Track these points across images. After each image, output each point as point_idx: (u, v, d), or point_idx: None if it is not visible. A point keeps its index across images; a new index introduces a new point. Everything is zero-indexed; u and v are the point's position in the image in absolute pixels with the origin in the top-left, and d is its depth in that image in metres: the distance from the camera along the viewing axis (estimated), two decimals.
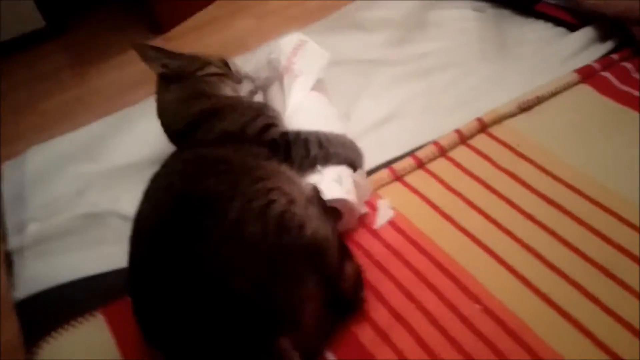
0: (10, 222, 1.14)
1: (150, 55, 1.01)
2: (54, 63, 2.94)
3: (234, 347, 0.71)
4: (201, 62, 1.04)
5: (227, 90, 1.03)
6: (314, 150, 0.92)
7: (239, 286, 0.70)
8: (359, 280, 0.83)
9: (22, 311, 0.99)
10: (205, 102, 1.00)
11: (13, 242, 1.09)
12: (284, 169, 0.87)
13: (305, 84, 1.04)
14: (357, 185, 0.93)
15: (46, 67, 2.89)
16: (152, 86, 1.23)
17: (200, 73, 1.02)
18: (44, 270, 1.02)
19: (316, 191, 0.84)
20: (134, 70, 2.75)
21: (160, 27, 2.92)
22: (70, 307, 0.94)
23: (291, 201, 0.78)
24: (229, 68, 1.07)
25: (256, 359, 0.72)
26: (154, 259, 0.77)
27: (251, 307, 0.70)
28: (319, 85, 1.07)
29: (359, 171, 0.96)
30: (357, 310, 0.82)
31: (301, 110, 1.02)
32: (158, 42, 2.88)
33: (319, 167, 0.92)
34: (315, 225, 0.77)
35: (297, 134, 0.94)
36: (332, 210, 0.87)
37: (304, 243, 0.75)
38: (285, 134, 0.95)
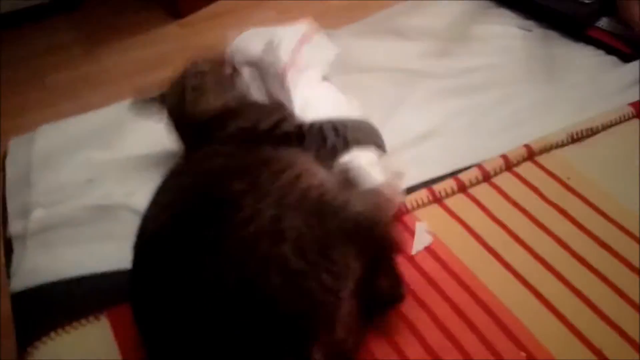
0: (12, 204, 1.07)
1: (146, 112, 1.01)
2: (63, 38, 2.86)
3: (263, 355, 0.65)
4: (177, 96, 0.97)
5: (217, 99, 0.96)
6: (331, 138, 0.88)
7: (273, 287, 0.64)
8: (398, 278, 0.78)
9: (19, 304, 0.92)
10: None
11: (15, 226, 1.01)
12: (300, 152, 0.82)
13: (312, 79, 0.98)
14: (389, 168, 0.88)
15: (54, 41, 2.81)
16: (164, 71, 1.16)
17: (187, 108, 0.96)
18: (46, 262, 0.94)
19: (352, 170, 0.80)
20: (147, 52, 2.68)
21: (179, 12, 2.85)
22: (73, 305, 0.87)
23: (323, 183, 0.72)
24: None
25: None
26: (163, 264, 0.70)
27: (285, 312, 0.64)
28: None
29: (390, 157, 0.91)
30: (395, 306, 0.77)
31: (310, 103, 0.98)
32: (174, 27, 2.81)
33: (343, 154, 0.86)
34: (355, 203, 0.72)
35: (311, 124, 0.90)
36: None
37: (352, 222, 0.70)
38: (299, 126, 0.90)
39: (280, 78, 1.02)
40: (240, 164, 0.78)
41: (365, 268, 0.71)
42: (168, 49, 2.63)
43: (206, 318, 0.65)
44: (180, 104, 0.96)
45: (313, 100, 0.99)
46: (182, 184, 0.80)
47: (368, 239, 0.71)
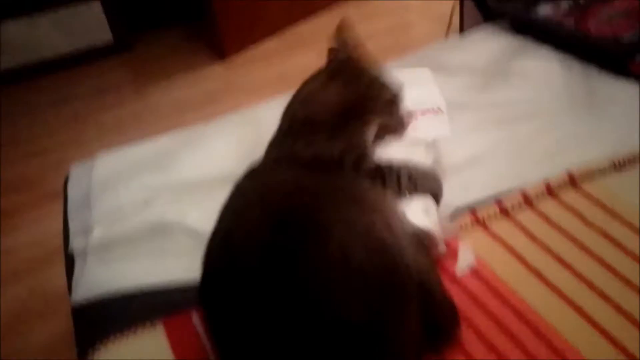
0: (74, 223, 1.14)
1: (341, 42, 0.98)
2: (116, 78, 3.03)
3: None
4: (378, 85, 0.99)
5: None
6: (405, 183, 0.92)
7: (344, 312, 0.67)
8: (454, 315, 0.81)
9: (79, 314, 0.98)
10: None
11: (76, 243, 1.08)
12: (381, 193, 0.86)
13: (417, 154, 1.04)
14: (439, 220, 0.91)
15: (109, 81, 2.97)
16: (208, 109, 1.22)
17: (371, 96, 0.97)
18: (105, 275, 1.00)
19: (422, 233, 0.84)
20: (193, 92, 2.81)
21: (223, 53, 2.97)
22: (130, 316, 0.92)
23: (398, 239, 0.76)
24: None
25: None
26: (244, 276, 0.72)
27: (355, 333, 0.67)
28: None
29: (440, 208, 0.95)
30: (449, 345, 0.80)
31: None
32: (218, 67, 2.94)
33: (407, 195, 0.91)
34: (414, 252, 0.76)
35: (390, 167, 0.93)
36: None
37: (406, 268, 0.73)
38: (380, 166, 0.94)
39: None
40: (334, 196, 0.80)
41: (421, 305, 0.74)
42: (212, 88, 2.75)
43: (281, 334, 0.68)
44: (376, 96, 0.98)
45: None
46: (266, 201, 0.80)
47: (420, 283, 0.75)
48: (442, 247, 0.92)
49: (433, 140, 1.09)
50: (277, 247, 0.72)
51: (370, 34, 3.17)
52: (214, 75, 2.88)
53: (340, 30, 0.98)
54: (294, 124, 0.96)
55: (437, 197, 0.96)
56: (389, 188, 0.90)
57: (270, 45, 3.05)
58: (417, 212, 0.89)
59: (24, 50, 2.86)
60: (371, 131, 0.96)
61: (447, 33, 2.45)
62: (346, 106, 0.94)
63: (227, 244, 0.78)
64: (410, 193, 0.92)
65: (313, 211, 0.75)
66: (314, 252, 0.70)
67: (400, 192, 0.91)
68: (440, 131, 1.12)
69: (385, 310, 0.69)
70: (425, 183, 0.96)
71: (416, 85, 1.12)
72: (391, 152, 0.98)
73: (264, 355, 0.69)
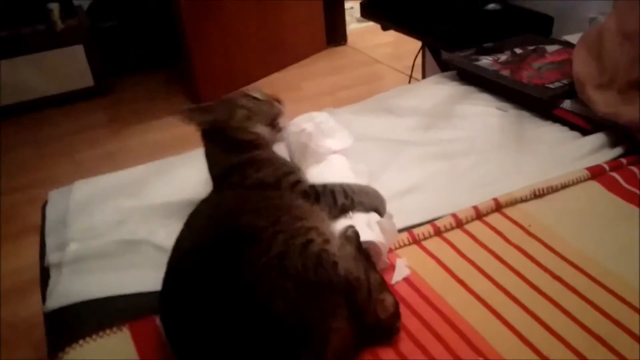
0: (50, 240, 1.23)
1: (190, 116, 1.13)
2: (95, 119, 3.15)
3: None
4: (228, 109, 1.13)
5: (259, 128, 1.11)
6: (341, 200, 1.03)
7: (278, 309, 0.78)
8: (396, 311, 0.91)
9: (50, 321, 1.06)
10: (240, 154, 1.10)
11: (52, 258, 1.17)
12: (318, 210, 0.97)
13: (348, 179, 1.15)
14: (383, 229, 1.01)
15: (88, 122, 3.09)
16: (180, 150, 1.36)
17: (232, 124, 1.11)
18: (78, 285, 1.08)
19: (355, 232, 0.94)
20: (167, 134, 2.93)
21: (199, 99, 3.12)
22: (99, 320, 1.00)
23: (327, 241, 0.87)
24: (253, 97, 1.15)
25: None
26: (194, 281, 0.85)
27: (287, 330, 0.78)
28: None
29: (385, 217, 1.05)
30: (392, 337, 0.90)
31: (325, 170, 1.15)
32: None
33: (349, 213, 1.02)
34: (348, 265, 0.86)
35: (324, 187, 1.05)
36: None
37: (337, 281, 0.83)
38: (314, 187, 1.06)
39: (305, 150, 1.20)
40: (268, 205, 0.94)
41: (352, 313, 0.85)
42: (187, 131, 2.86)
43: (224, 327, 0.79)
44: (229, 117, 1.11)
45: (327, 167, 1.16)
46: (215, 215, 0.96)
47: (349, 297, 0.85)
48: (385, 258, 1.02)
49: (364, 169, 1.20)
50: (219, 250, 0.84)
51: (342, 84, 3.39)
52: None
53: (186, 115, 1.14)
54: (218, 176, 1.12)
55: (378, 211, 1.07)
56: (324, 206, 1.01)
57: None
58: (360, 226, 0.99)
59: (5, 91, 2.98)
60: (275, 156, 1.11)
61: (409, 82, 2.64)
62: (230, 148, 1.10)
63: (178, 249, 0.91)
64: (348, 209, 1.03)
65: (255, 220, 0.88)
66: (255, 258, 0.82)
67: (337, 208, 1.02)
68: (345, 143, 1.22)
69: (314, 312, 0.80)
70: (364, 199, 1.06)
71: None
72: (324, 177, 1.10)
73: (207, 347, 0.80)
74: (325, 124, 1.23)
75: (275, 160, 1.12)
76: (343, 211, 1.03)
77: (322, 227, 0.91)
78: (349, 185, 1.07)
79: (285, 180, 1.05)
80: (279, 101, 1.17)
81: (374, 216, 1.06)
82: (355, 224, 1.00)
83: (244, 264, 0.82)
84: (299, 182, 1.06)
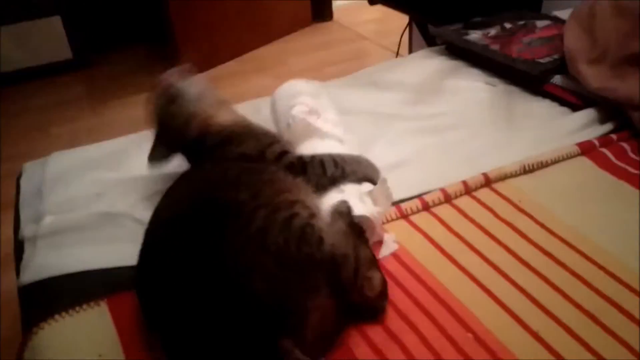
0: (25, 213, 1.19)
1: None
2: (73, 93, 3.07)
3: (240, 340, 0.75)
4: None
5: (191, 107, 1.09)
6: (330, 169, 1.00)
7: (255, 286, 0.74)
8: (384, 290, 0.88)
9: (24, 295, 1.02)
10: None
11: (27, 230, 1.12)
12: (303, 183, 0.94)
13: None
14: (376, 199, 0.99)
15: (66, 96, 3.00)
16: None
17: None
18: (54, 259, 1.05)
19: (347, 207, 0.91)
20: (148, 110, 2.87)
21: None
22: (76, 295, 0.96)
23: (312, 215, 0.83)
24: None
25: (259, 354, 0.75)
26: (170, 253, 0.82)
27: (263, 307, 0.74)
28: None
29: (379, 183, 1.02)
30: (378, 316, 0.87)
31: (316, 142, 1.12)
32: None
33: (340, 185, 0.99)
34: (335, 240, 0.82)
35: (313, 156, 1.02)
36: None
37: (321, 257, 0.80)
38: (301, 157, 1.02)
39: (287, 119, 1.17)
40: (249, 179, 0.90)
41: (335, 290, 0.81)
42: None
43: (200, 302, 0.76)
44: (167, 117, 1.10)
45: (318, 138, 1.13)
46: (194, 187, 0.92)
47: (333, 273, 0.81)
48: (379, 230, 0.99)
49: (353, 138, 1.17)
50: (198, 222, 0.81)
51: (327, 60, 3.34)
52: None
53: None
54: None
55: (372, 179, 1.04)
56: (312, 177, 0.97)
57: (228, 68, 3.15)
58: (352, 200, 0.95)
59: None
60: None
61: (397, 58, 2.60)
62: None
63: (155, 220, 0.88)
64: (339, 180, 1.00)
65: (235, 193, 0.84)
66: (234, 233, 0.78)
67: (327, 179, 0.99)
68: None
69: (293, 289, 0.76)
70: (355, 168, 1.02)
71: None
72: (316, 148, 1.07)
73: (182, 322, 0.77)
74: (318, 96, 1.19)
75: (256, 131, 1.08)
76: (333, 182, 1.00)
77: (307, 200, 0.88)
78: (339, 155, 1.03)
79: (270, 152, 1.02)
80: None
81: (365, 187, 1.03)
82: (347, 198, 0.97)
83: (222, 239, 0.78)
84: (284, 152, 1.02)
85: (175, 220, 0.86)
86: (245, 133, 1.06)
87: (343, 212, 0.91)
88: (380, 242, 1.01)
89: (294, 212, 0.82)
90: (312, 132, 1.13)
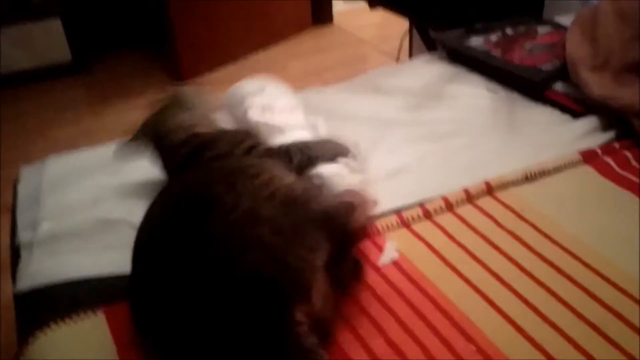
0: (22, 218, 1.17)
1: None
2: (73, 96, 3.05)
3: (249, 324, 0.73)
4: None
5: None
6: (296, 157, 1.02)
7: (255, 260, 0.73)
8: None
9: (20, 303, 1.01)
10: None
11: (23, 236, 1.11)
12: (272, 162, 0.94)
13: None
14: (353, 166, 1.02)
15: (65, 99, 2.99)
16: None
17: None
18: (50, 266, 1.03)
19: (319, 178, 0.95)
20: (147, 112, 2.86)
21: (181, 77, 3.04)
22: (72, 303, 0.95)
23: (292, 183, 0.84)
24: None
25: (272, 332, 0.74)
26: (160, 249, 0.81)
27: (267, 280, 0.73)
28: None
29: (349, 156, 1.04)
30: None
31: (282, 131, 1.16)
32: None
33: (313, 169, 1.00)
34: (322, 199, 0.84)
35: (279, 147, 1.04)
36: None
37: (314, 213, 0.80)
38: (269, 149, 1.03)
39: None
40: (220, 173, 0.90)
41: (334, 247, 0.81)
42: None
43: (198, 293, 0.74)
44: (156, 125, 1.11)
45: (285, 128, 1.15)
46: (171, 194, 0.92)
47: (334, 226, 0.82)
48: (370, 195, 0.98)
49: (318, 120, 1.19)
50: (179, 223, 0.81)
51: (327, 64, 3.33)
52: None
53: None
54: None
55: (342, 156, 1.05)
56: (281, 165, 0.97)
57: (227, 71, 3.14)
58: (331, 178, 0.97)
59: None
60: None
61: (397, 63, 2.60)
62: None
63: (141, 232, 0.88)
64: (306, 167, 1.01)
65: (211, 188, 0.83)
66: (220, 218, 0.77)
67: (294, 167, 0.99)
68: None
69: (288, 254, 0.76)
70: (319, 152, 1.03)
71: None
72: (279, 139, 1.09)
73: (179, 316, 0.76)
74: (262, 90, 1.23)
75: (227, 132, 1.09)
76: (300, 169, 1.00)
77: (282, 173, 0.88)
78: (305, 142, 1.05)
79: (240, 148, 1.02)
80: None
81: (340, 163, 1.05)
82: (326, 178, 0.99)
83: (209, 229, 0.77)
84: (253, 146, 1.03)
85: (157, 225, 0.86)
86: (216, 136, 1.07)
87: (316, 177, 0.94)
88: (379, 249, 1.00)
89: (275, 187, 0.82)
90: (271, 130, 1.15)
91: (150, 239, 0.86)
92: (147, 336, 0.83)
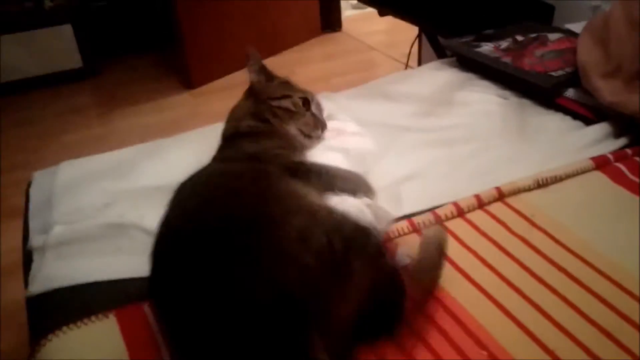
0: (34, 223, 1.18)
1: (254, 66, 1.16)
2: (83, 101, 3.08)
3: (268, 337, 0.73)
4: (280, 92, 1.13)
5: (291, 128, 1.10)
6: (314, 180, 1.00)
7: (288, 277, 0.73)
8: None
9: (33, 306, 1.01)
10: (254, 124, 1.10)
11: (35, 241, 1.12)
12: (309, 188, 0.94)
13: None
14: (376, 213, 0.99)
15: (75, 104, 3.02)
16: (171, 135, 1.34)
17: (272, 103, 1.11)
18: (62, 270, 1.04)
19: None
20: (158, 118, 2.88)
21: (190, 83, 3.06)
22: (83, 307, 0.95)
23: (329, 210, 0.84)
24: (308, 107, 1.14)
25: (289, 349, 0.73)
26: (190, 262, 0.79)
27: (296, 301, 0.73)
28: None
29: (377, 205, 1.02)
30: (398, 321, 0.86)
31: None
32: (186, 95, 3.02)
33: (338, 196, 0.99)
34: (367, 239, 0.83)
35: (303, 164, 1.03)
36: None
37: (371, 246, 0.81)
38: (294, 163, 1.03)
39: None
40: (270, 192, 0.89)
41: (369, 287, 0.80)
42: (178, 115, 2.83)
43: (226, 301, 0.74)
44: (275, 97, 1.13)
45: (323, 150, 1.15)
46: (205, 194, 0.90)
47: (376, 266, 0.82)
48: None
49: (357, 151, 1.17)
50: (216, 235, 0.79)
51: (336, 70, 3.34)
52: (181, 103, 2.96)
53: (253, 57, 1.16)
54: (223, 138, 1.11)
55: (360, 195, 1.03)
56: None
57: (236, 77, 3.15)
58: (351, 210, 0.94)
59: None
60: (288, 133, 1.07)
61: (406, 69, 2.60)
62: (254, 115, 1.10)
63: (166, 228, 0.87)
64: (326, 191, 0.99)
65: (264, 206, 0.83)
66: (273, 242, 0.77)
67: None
68: (368, 146, 1.22)
69: (326, 276, 0.76)
70: (339, 183, 1.02)
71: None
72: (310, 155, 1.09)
73: (208, 330, 0.75)
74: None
75: (276, 134, 1.10)
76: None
77: (318, 200, 0.89)
78: (328, 168, 1.04)
79: (272, 154, 1.02)
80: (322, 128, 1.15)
81: (365, 200, 1.02)
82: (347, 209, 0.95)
83: (259, 251, 0.76)
84: (279, 155, 1.03)
85: (191, 231, 0.83)
86: (266, 133, 1.08)
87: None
88: (391, 254, 1.00)
89: (327, 210, 0.83)
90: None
91: (181, 240, 0.84)
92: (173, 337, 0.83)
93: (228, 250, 0.77)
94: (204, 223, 0.83)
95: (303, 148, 1.09)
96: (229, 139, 1.10)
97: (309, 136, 1.13)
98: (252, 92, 1.17)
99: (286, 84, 1.18)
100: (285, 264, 0.75)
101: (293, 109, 1.13)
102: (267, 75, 1.17)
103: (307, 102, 1.15)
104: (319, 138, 1.14)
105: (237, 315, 0.74)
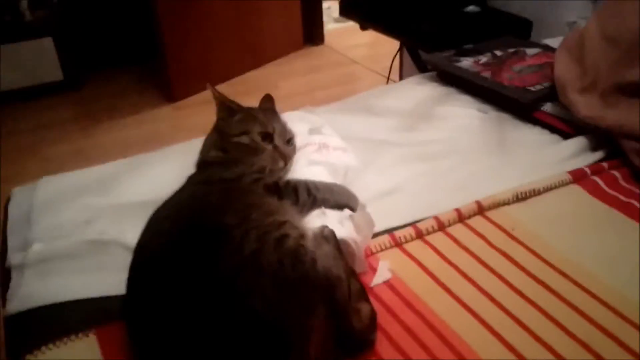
0: (13, 239, 1.17)
1: (218, 99, 1.16)
2: (63, 114, 3.06)
3: None
4: (239, 129, 1.10)
5: (254, 161, 1.07)
6: (303, 197, 1.01)
7: (256, 307, 0.74)
8: (372, 322, 0.87)
9: (11, 325, 0.99)
10: (221, 154, 1.10)
11: (14, 258, 1.10)
12: (287, 204, 0.95)
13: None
14: (357, 225, 0.99)
15: (56, 117, 2.99)
16: (154, 147, 1.33)
17: (232, 139, 1.10)
18: (41, 288, 1.02)
19: (331, 232, 0.91)
20: (140, 131, 2.87)
21: (172, 96, 3.05)
22: (64, 325, 0.94)
23: (302, 236, 0.84)
24: (270, 140, 1.11)
25: None
26: (162, 283, 0.80)
27: (266, 328, 0.74)
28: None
29: (359, 209, 1.03)
30: (367, 350, 0.85)
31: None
32: (167, 109, 3.01)
33: (323, 210, 1.00)
34: (327, 262, 0.82)
35: (288, 182, 1.03)
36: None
37: (316, 277, 0.80)
38: (277, 183, 1.03)
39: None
40: (236, 202, 0.91)
41: (330, 312, 0.80)
42: (160, 129, 2.82)
43: (200, 327, 0.74)
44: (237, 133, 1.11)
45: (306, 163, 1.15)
46: (179, 214, 0.92)
47: (328, 296, 0.81)
48: (361, 255, 0.99)
49: (339, 165, 1.17)
50: (188, 252, 0.81)
51: (318, 84, 3.36)
52: (162, 116, 2.95)
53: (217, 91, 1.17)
54: (195, 166, 1.11)
55: (350, 207, 1.05)
56: (287, 201, 0.98)
57: (220, 90, 3.14)
58: (332, 223, 0.96)
59: None
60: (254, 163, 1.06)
61: (387, 83, 2.63)
62: (220, 148, 1.10)
63: (141, 252, 0.89)
64: (311, 207, 1.01)
65: (224, 218, 0.84)
66: (228, 258, 0.78)
67: (299, 205, 0.99)
68: (351, 161, 1.22)
69: (293, 310, 0.76)
70: (327, 196, 1.03)
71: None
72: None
73: (184, 351, 0.75)
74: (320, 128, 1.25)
75: (246, 160, 1.08)
76: (305, 208, 1.00)
77: (294, 221, 0.89)
78: (313, 182, 1.04)
79: (248, 176, 1.02)
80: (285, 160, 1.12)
81: (346, 212, 1.03)
82: (328, 222, 0.97)
83: (215, 263, 0.78)
84: (260, 179, 1.03)
85: (163, 249, 0.85)
86: (237, 159, 1.07)
87: (328, 236, 0.90)
88: (372, 270, 1.00)
89: (285, 233, 0.83)
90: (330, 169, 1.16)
91: (152, 260, 0.86)
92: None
93: (191, 270, 0.79)
94: (169, 244, 0.85)
95: (272, 175, 1.08)
96: (200, 166, 1.09)
97: (270, 170, 1.08)
98: (216, 128, 1.16)
99: (247, 118, 1.13)
100: (247, 289, 0.75)
101: (252, 145, 1.09)
102: (230, 110, 1.14)
103: (267, 136, 1.10)
104: (282, 170, 1.10)
105: (202, 337, 0.74)
